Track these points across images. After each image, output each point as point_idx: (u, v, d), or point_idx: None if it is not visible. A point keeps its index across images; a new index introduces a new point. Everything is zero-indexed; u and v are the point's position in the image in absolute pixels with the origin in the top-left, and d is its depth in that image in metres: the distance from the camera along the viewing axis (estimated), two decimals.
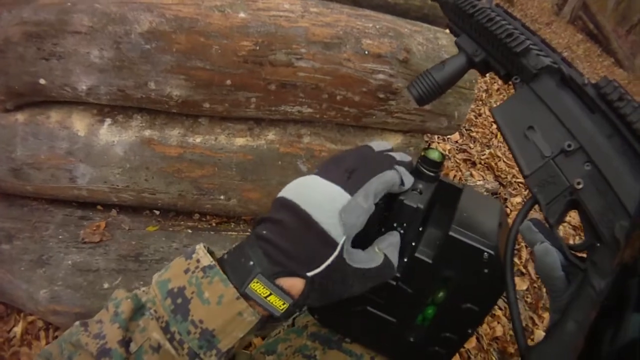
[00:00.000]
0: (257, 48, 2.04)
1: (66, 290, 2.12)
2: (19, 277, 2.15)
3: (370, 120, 2.42)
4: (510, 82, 1.10)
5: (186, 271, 0.88)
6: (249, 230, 2.54)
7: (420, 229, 1.12)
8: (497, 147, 5.45)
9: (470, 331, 1.18)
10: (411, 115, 2.44)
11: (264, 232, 0.90)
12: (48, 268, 2.17)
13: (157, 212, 2.48)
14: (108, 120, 2.18)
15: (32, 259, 2.19)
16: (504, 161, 5.23)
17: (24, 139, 2.14)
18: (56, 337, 2.24)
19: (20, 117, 2.15)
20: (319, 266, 0.87)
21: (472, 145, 5.25)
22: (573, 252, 0.89)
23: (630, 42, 27.47)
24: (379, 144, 1.10)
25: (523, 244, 4.08)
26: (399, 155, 1.09)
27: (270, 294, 0.86)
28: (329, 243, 0.87)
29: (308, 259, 0.88)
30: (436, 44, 2.39)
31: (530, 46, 1.03)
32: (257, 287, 0.85)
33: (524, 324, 3.43)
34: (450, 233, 1.02)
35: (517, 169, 5.24)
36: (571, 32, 19.52)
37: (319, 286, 0.88)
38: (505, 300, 1.06)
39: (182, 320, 0.84)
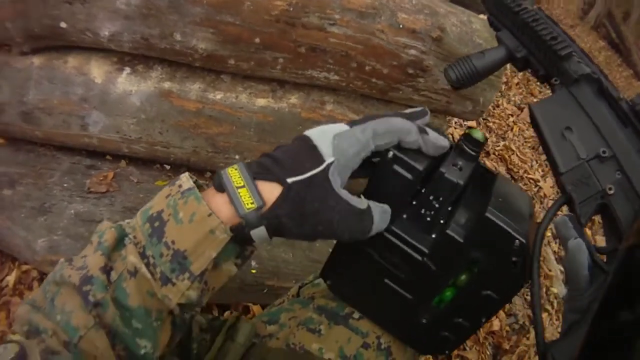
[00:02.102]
0: (291, 9, 2.00)
1: (66, 240, 2.05)
2: (19, 224, 2.09)
3: (396, 95, 2.39)
4: (547, 83, 1.13)
5: (167, 196, 0.89)
6: None
7: (450, 208, 1.11)
8: (512, 140, 5.48)
9: (484, 320, 1.18)
10: (438, 94, 2.42)
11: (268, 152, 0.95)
12: (49, 216, 2.10)
13: (168, 167, 2.44)
14: (127, 69, 2.13)
15: (33, 206, 2.12)
16: (517, 155, 5.25)
17: (38, 83, 2.09)
18: None
19: (36, 60, 2.09)
20: (301, 174, 0.88)
21: (487, 135, 5.20)
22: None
23: None
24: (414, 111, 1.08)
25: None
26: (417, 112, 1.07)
27: (244, 187, 0.86)
28: (317, 158, 0.90)
29: (293, 165, 0.89)
30: (470, 27, 2.38)
31: (573, 51, 1.06)
32: (234, 174, 0.88)
33: (521, 322, 3.45)
34: (487, 214, 1.01)
35: (529, 164, 5.26)
36: (594, 38, 19.56)
37: (295, 196, 0.88)
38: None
39: (157, 242, 0.84)
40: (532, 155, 5.51)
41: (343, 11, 2.06)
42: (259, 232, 0.88)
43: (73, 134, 2.16)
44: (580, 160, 0.94)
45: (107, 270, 0.83)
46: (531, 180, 5.02)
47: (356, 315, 1.35)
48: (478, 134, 1.08)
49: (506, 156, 5.08)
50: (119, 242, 0.86)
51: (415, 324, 1.23)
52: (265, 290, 2.28)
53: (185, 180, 0.90)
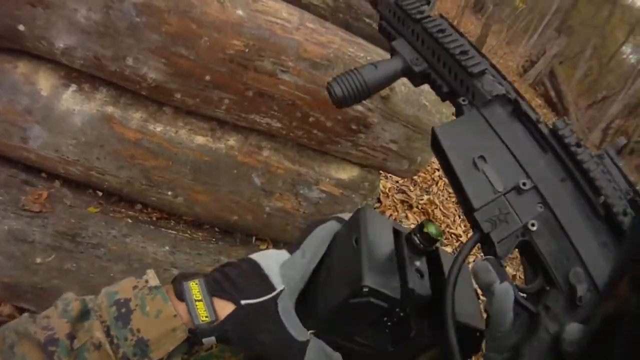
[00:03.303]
0: (247, 50, 2.02)
1: None
2: None
3: (334, 148, 2.43)
4: (452, 102, 1.08)
5: (134, 287, 0.99)
6: (189, 231, 2.51)
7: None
8: (436, 194, 5.62)
9: None
10: (376, 151, 2.46)
11: (220, 267, 1.07)
12: None
13: (100, 194, 2.40)
14: (73, 86, 2.10)
15: None
16: (440, 209, 5.39)
17: None
18: None
19: None
20: (253, 298, 1.00)
21: (412, 188, 5.38)
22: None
23: (589, 116, 28.44)
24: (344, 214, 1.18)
25: None
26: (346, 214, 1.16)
27: (201, 301, 0.98)
28: (268, 285, 1.01)
29: (247, 289, 1.01)
30: (419, 88, 2.40)
31: (487, 68, 1.01)
32: (194, 288, 0.99)
33: None
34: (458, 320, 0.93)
35: (451, 219, 5.36)
36: (530, 96, 20.21)
37: (244, 316, 0.99)
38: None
39: (123, 327, 0.93)
40: (456, 210, 5.62)
41: (297, 59, 2.09)
42: (208, 339, 0.99)
43: (13, 145, 2.12)
44: (497, 194, 0.88)
45: (71, 337, 0.90)
46: (453, 235, 5.12)
47: None
48: (432, 229, 1.00)
49: (429, 210, 5.20)
50: (83, 314, 0.94)
51: None
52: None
53: (152, 277, 1.01)
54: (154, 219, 2.50)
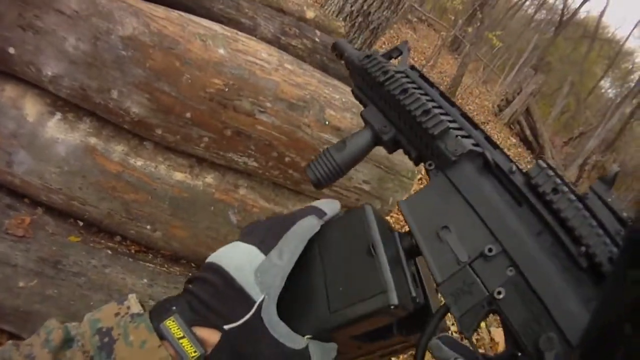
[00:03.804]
0: (227, 89, 2.07)
1: None
2: None
3: (309, 187, 2.47)
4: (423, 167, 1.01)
5: (116, 314, 0.92)
6: (166, 265, 2.52)
7: None
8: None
9: None
10: (349, 192, 2.50)
11: (190, 286, 0.96)
12: None
13: (81, 224, 2.42)
14: (58, 115, 2.13)
15: None
16: None
17: None
18: None
19: None
20: (236, 321, 0.90)
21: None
22: None
23: (565, 153, 28.45)
24: (323, 203, 1.10)
25: None
26: (325, 203, 1.09)
27: (184, 337, 0.89)
28: (247, 300, 0.91)
29: (227, 312, 0.91)
30: None
31: (450, 126, 0.95)
32: (172, 326, 0.90)
33: None
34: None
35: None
36: (505, 135, 20.08)
37: (233, 341, 0.91)
38: None
39: (106, 357, 0.87)
40: None
41: (275, 100, 2.15)
42: None
43: None
44: (460, 265, 0.83)
45: None
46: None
47: None
48: None
49: None
50: (65, 342, 0.89)
51: None
52: None
53: (134, 303, 0.94)
54: (133, 251, 2.51)
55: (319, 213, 1.04)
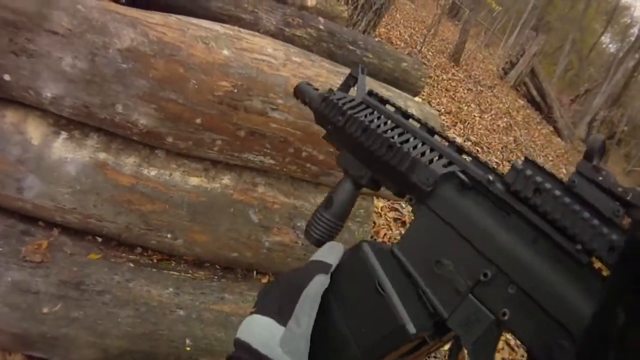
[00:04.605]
0: (235, 91, 2.03)
1: (4, 309, 2.00)
2: None
3: (328, 179, 2.44)
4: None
5: None
6: (190, 271, 2.50)
7: None
8: None
9: None
10: None
11: None
12: None
13: (100, 239, 2.39)
14: (64, 134, 2.10)
15: None
16: None
17: None
18: None
19: None
20: None
21: (404, 205, 5.31)
22: None
23: (573, 111, 28.51)
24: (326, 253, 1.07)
25: None
26: (328, 252, 1.06)
27: None
28: None
29: None
30: None
31: (415, 156, 0.92)
32: None
33: None
34: None
35: None
36: (513, 98, 20.07)
37: None
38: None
39: None
40: None
41: (286, 96, 2.10)
42: None
43: (8, 196, 2.11)
44: (461, 296, 0.80)
45: None
46: None
47: None
48: None
49: None
50: None
51: None
52: None
53: None
54: (155, 261, 2.49)
55: (325, 268, 1.03)
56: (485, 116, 13.85)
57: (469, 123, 11.86)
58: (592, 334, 0.61)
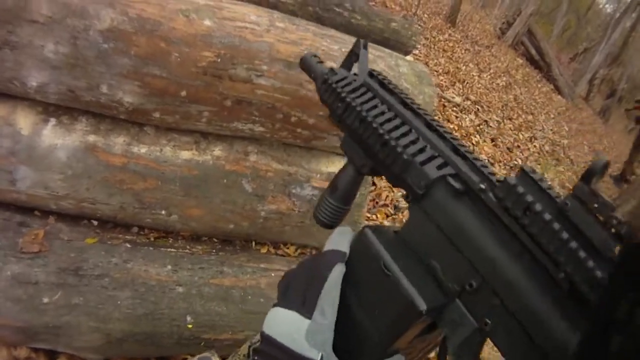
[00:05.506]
0: (219, 60, 2.01)
1: (6, 303, 2.01)
2: None
3: (321, 143, 2.44)
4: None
5: None
6: (188, 247, 2.50)
7: None
8: None
9: None
10: None
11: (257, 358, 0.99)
12: None
13: (95, 223, 2.40)
14: (52, 121, 2.09)
15: None
16: None
17: None
18: None
19: None
20: None
21: None
22: None
23: (572, 69, 28.44)
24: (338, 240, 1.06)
25: None
26: (340, 239, 1.06)
27: None
28: None
29: None
30: (397, 71, 2.42)
31: (409, 157, 0.88)
32: None
33: None
34: None
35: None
36: (511, 57, 19.97)
37: None
38: None
39: None
40: None
41: (271, 61, 2.09)
42: None
43: (2, 189, 2.12)
44: (449, 298, 0.81)
45: None
46: None
47: None
48: None
49: None
50: None
51: None
52: (202, 344, 2.26)
53: None
54: (152, 239, 2.49)
55: (342, 257, 1.02)
56: (484, 75, 13.75)
57: (467, 82, 11.76)
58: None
